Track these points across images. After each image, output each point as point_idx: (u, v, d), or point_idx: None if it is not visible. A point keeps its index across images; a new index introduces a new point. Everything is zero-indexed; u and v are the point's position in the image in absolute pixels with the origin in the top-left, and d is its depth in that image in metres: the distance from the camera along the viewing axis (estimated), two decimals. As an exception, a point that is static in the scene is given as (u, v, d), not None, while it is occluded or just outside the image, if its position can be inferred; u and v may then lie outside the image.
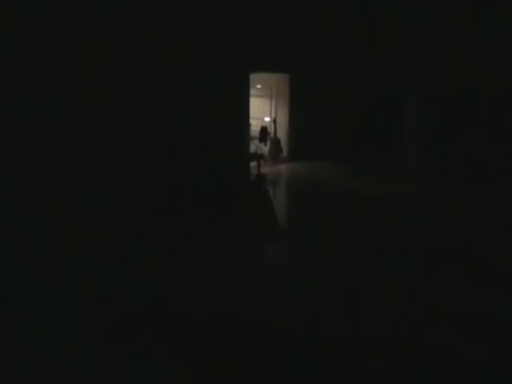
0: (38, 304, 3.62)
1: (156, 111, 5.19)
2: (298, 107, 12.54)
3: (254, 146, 11.33)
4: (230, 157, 6.78)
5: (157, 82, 5.21)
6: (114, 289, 4.11)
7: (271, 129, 12.44)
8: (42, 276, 3.76)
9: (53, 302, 3.73)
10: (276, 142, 12.38)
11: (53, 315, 3.60)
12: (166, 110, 5.40)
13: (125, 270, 4.38)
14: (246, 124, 7.85)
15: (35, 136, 3.78)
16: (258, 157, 9.66)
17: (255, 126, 11.54)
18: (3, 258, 3.50)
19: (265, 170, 10.61)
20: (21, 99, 3.66)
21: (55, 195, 3.94)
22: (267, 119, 12.62)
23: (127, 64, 4.71)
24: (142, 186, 4.99)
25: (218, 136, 6.55)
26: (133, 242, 4.66)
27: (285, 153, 12.65)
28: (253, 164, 9.49)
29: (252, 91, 9.84)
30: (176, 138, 5.63)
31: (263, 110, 12.62)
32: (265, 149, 12.07)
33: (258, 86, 12.36)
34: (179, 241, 5.19)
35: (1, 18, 3.45)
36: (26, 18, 3.64)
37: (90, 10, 4.17)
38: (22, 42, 3.66)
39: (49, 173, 3.92)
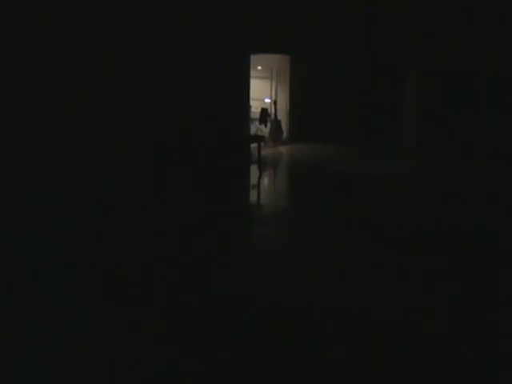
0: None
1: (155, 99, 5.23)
2: (299, 89, 12.49)
3: (255, 128, 11.32)
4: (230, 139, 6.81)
5: (155, 67, 5.24)
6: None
7: (271, 110, 12.41)
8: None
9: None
10: (276, 123, 12.35)
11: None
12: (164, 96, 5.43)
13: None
14: (247, 105, 7.86)
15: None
16: (259, 138, 9.65)
17: (255, 108, 11.51)
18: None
19: (265, 151, 10.63)
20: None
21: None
22: (268, 100, 12.58)
23: (135, 52, 4.73)
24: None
25: (218, 118, 6.58)
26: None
27: (285, 134, 12.64)
28: (253, 146, 9.50)
29: (252, 73, 9.81)
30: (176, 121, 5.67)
31: (264, 92, 12.57)
32: (265, 130, 12.05)
33: (259, 68, 12.30)
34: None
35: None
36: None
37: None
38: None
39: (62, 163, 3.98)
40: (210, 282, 4.09)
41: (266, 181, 8.94)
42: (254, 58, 9.82)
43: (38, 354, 2.96)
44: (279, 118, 12.45)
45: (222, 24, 6.43)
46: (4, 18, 3.70)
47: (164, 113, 5.41)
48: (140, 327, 3.33)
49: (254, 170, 9.00)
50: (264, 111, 11.81)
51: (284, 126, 12.58)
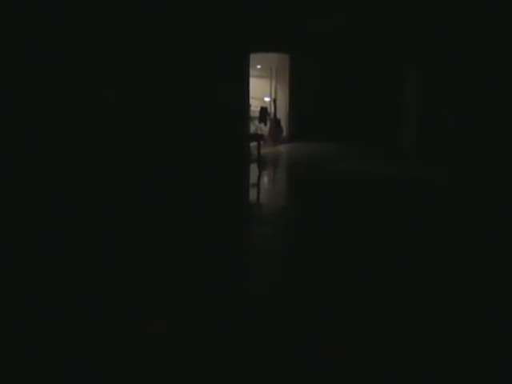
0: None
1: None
2: (298, 87, 12.49)
3: (254, 127, 11.32)
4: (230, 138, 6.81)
5: (155, 67, 5.23)
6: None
7: (271, 109, 12.41)
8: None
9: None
10: (276, 122, 12.35)
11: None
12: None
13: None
14: (246, 104, 7.86)
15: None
16: (258, 137, 9.65)
17: (255, 107, 11.51)
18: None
19: (265, 150, 10.63)
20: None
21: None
22: (267, 99, 12.58)
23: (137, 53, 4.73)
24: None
25: (218, 117, 6.58)
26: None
27: (285, 133, 12.64)
28: (253, 144, 9.50)
29: (252, 72, 9.80)
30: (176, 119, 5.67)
31: (263, 91, 12.57)
32: (265, 129, 12.05)
33: (258, 67, 12.29)
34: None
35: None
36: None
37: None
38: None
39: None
40: (210, 282, 4.09)
41: (265, 180, 8.95)
42: (253, 57, 9.81)
43: (37, 354, 2.96)
44: (279, 116, 12.45)
45: (222, 24, 6.42)
46: (4, 18, 3.70)
47: (164, 113, 5.41)
48: (140, 327, 3.34)
49: (253, 168, 9.00)
50: (264, 110, 11.81)
51: (284, 124, 12.57)
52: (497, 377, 2.88)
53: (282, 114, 12.58)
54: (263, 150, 10.04)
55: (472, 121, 10.02)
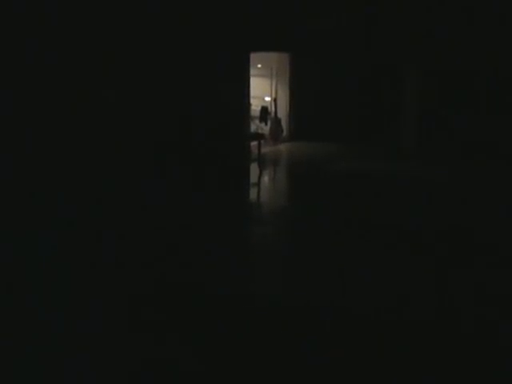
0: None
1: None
2: (299, 88, 12.49)
3: (255, 126, 11.32)
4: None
5: (155, 67, 5.24)
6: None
7: (272, 108, 12.40)
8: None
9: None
10: (276, 121, 12.34)
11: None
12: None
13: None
14: (247, 104, 7.87)
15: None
16: (259, 136, 9.65)
17: (255, 106, 11.51)
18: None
19: (265, 149, 10.62)
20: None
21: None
22: (268, 99, 12.58)
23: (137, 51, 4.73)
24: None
25: (218, 117, 6.58)
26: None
27: (285, 132, 12.64)
28: (253, 144, 9.50)
29: (252, 71, 9.80)
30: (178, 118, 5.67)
31: (264, 90, 12.56)
32: (265, 128, 12.05)
33: (259, 66, 12.29)
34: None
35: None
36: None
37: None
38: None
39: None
40: (210, 282, 4.09)
41: (265, 179, 8.95)
42: (253, 57, 9.80)
43: (38, 354, 2.96)
44: (279, 116, 12.44)
45: (222, 24, 6.42)
46: (4, 18, 3.71)
47: (164, 113, 5.41)
48: (140, 327, 3.34)
49: (254, 168, 9.00)
50: (264, 109, 11.81)
51: (284, 124, 12.57)
52: (497, 377, 2.88)
53: (283, 114, 12.57)
54: (263, 150, 10.03)
55: (472, 121, 10.02)
